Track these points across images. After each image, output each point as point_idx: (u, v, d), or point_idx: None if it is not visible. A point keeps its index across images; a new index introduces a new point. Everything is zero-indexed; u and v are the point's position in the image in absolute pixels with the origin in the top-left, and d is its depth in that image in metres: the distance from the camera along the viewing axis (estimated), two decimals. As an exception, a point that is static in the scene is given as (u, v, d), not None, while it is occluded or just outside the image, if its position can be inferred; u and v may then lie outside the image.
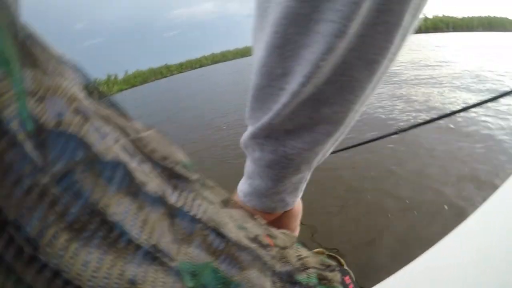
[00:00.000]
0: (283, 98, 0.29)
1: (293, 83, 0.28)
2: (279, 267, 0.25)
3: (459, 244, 0.83)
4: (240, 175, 0.51)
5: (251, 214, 0.29)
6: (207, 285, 0.17)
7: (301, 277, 0.27)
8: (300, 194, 0.40)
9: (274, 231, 0.31)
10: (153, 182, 0.15)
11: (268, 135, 0.32)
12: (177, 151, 0.20)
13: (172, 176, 0.17)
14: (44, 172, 0.11)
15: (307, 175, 0.37)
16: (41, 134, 0.12)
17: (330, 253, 0.39)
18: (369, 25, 0.25)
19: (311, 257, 0.32)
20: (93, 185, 0.13)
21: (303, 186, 0.39)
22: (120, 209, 0.13)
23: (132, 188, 0.14)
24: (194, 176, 0.19)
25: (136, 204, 0.14)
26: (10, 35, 0.12)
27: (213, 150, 5.35)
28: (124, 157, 0.15)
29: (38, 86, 0.13)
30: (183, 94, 17.42)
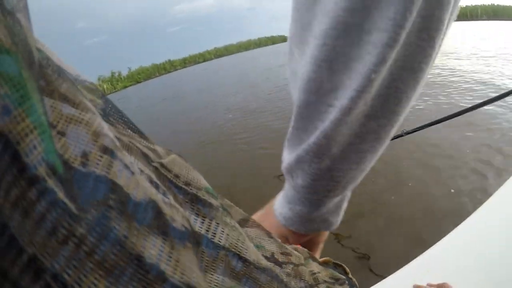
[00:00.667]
0: (332, 115, 0.27)
1: (343, 99, 0.26)
2: (294, 284, 0.25)
3: (457, 245, 0.85)
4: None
5: (268, 232, 0.28)
6: None
7: None
8: (342, 213, 0.38)
9: (289, 247, 0.31)
10: (179, 214, 0.15)
11: (313, 158, 0.30)
12: (199, 176, 0.20)
13: (195, 201, 0.18)
14: (78, 220, 0.11)
15: (350, 192, 0.36)
16: (68, 174, 0.11)
17: (336, 262, 0.40)
18: (413, 33, 0.24)
19: (322, 272, 0.32)
20: (127, 227, 0.12)
21: (345, 204, 0.38)
22: (154, 251, 0.13)
23: (163, 226, 0.14)
24: (216, 202, 0.19)
25: (168, 242, 0.14)
26: (27, 62, 0.11)
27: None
28: (152, 193, 0.14)
29: (58, 117, 0.12)
30: (186, 89, 17.65)
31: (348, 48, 0.24)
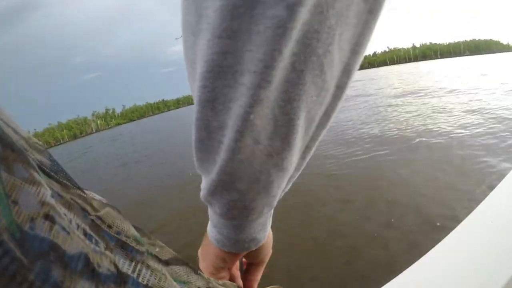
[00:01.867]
0: (223, 154, 0.27)
1: (227, 139, 0.27)
2: None
3: (445, 256, 0.86)
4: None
5: (195, 268, 0.32)
6: None
7: None
8: (269, 227, 0.41)
9: (216, 283, 0.35)
10: (107, 260, 0.19)
11: (222, 190, 0.31)
12: (129, 226, 0.26)
13: (125, 247, 0.22)
14: (30, 270, 0.15)
15: (272, 211, 0.38)
16: (21, 237, 0.15)
17: None
18: (304, 70, 0.24)
19: None
20: (63, 274, 0.16)
21: (270, 220, 0.40)
22: None
23: (91, 272, 0.25)
24: (143, 248, 0.24)
25: (94, 284, 0.17)
26: None
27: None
28: (84, 246, 0.18)
29: (12, 188, 0.15)
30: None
31: (226, 90, 0.24)
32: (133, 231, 0.25)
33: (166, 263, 0.29)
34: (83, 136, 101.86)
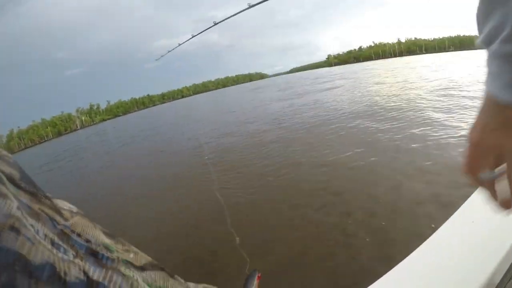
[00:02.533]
0: None
1: None
2: None
3: (425, 260, 0.87)
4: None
5: (172, 274, 0.33)
6: None
7: None
8: None
9: (194, 286, 0.36)
10: (75, 268, 0.20)
11: None
12: (100, 233, 0.27)
13: (95, 255, 0.23)
14: None
15: None
16: None
17: None
18: None
19: None
20: (28, 283, 0.17)
21: None
22: None
23: (57, 281, 0.18)
24: (112, 255, 0.25)
25: None
26: None
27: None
28: (50, 255, 0.19)
29: None
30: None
31: None
32: (103, 239, 0.25)
33: (141, 268, 0.30)
34: (68, 133, 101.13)
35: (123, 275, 0.24)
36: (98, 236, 0.26)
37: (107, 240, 0.26)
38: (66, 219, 0.24)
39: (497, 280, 0.76)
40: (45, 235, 0.20)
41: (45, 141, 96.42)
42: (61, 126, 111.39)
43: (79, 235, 0.24)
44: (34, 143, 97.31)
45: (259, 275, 1.48)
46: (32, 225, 0.20)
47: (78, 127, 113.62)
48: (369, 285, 0.84)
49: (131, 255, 0.31)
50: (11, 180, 0.22)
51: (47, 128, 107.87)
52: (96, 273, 0.22)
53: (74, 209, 0.30)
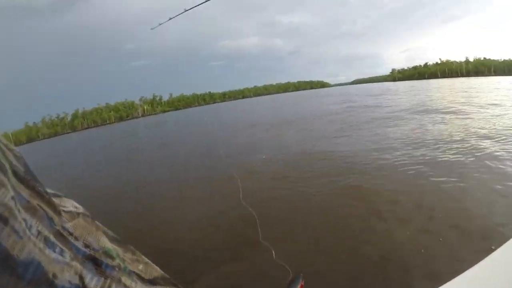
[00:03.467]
0: None
1: None
2: None
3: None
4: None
5: None
6: None
7: None
8: None
9: None
10: (71, 271, 0.17)
11: None
12: (103, 237, 0.23)
13: (93, 260, 0.20)
14: None
15: None
16: None
17: None
18: None
19: None
20: (8, 279, 0.15)
21: None
22: None
23: (44, 282, 0.15)
24: (113, 262, 0.21)
25: None
26: None
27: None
28: (39, 253, 0.17)
29: None
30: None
31: None
32: (106, 244, 0.23)
33: (150, 282, 0.27)
34: (129, 119, 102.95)
35: (125, 286, 0.22)
36: (100, 241, 0.25)
37: (109, 246, 0.25)
38: (66, 220, 0.22)
39: None
40: (39, 232, 0.19)
41: (107, 124, 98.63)
42: (123, 112, 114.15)
43: (76, 238, 0.23)
44: (96, 124, 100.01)
45: (303, 283, 1.29)
46: (24, 219, 0.19)
47: (139, 115, 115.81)
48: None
49: (140, 266, 0.30)
50: (15, 173, 0.22)
51: (110, 112, 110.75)
52: (93, 281, 0.20)
53: (80, 209, 0.29)
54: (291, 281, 1.29)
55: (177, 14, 7.49)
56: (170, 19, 7.36)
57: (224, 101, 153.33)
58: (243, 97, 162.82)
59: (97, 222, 0.31)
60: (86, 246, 0.23)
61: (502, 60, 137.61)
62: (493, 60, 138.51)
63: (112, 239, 0.28)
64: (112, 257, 0.24)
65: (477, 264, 0.87)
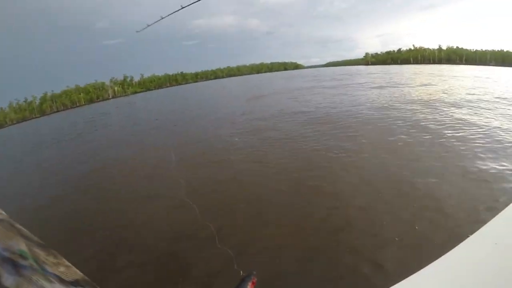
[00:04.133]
0: None
1: None
2: None
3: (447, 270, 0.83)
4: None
5: None
6: None
7: None
8: None
9: None
10: None
11: None
12: (19, 241, 0.29)
13: (9, 263, 0.25)
14: None
15: None
16: None
17: None
18: None
19: None
20: None
21: None
22: None
23: None
24: (28, 262, 0.26)
25: None
26: None
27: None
28: None
29: None
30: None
31: None
32: (19, 247, 0.23)
33: (72, 284, 0.28)
34: (100, 101, 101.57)
35: (37, 285, 0.23)
36: (19, 245, 0.25)
37: (25, 249, 0.25)
38: None
39: None
40: None
41: (77, 106, 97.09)
42: (93, 94, 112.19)
43: None
44: (66, 107, 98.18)
45: (255, 280, 1.32)
46: None
47: (110, 96, 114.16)
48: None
49: (62, 269, 0.30)
50: None
51: (80, 94, 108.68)
52: (9, 280, 0.21)
53: (4, 215, 0.28)
54: (243, 278, 1.35)
55: (171, 12, 7.48)
56: (162, 18, 7.52)
57: (197, 81, 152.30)
58: (215, 78, 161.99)
59: (19, 227, 0.36)
60: (5, 249, 0.26)
61: (474, 50, 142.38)
62: (466, 49, 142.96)
63: (36, 244, 0.32)
64: (25, 258, 0.27)
65: (448, 253, 0.88)
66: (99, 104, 72.83)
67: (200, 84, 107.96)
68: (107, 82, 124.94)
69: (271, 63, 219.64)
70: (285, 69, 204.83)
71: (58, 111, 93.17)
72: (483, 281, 0.76)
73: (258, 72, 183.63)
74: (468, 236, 0.94)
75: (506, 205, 1.12)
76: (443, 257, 0.89)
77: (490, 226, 0.98)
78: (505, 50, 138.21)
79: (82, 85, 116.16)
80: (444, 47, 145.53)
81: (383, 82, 27.05)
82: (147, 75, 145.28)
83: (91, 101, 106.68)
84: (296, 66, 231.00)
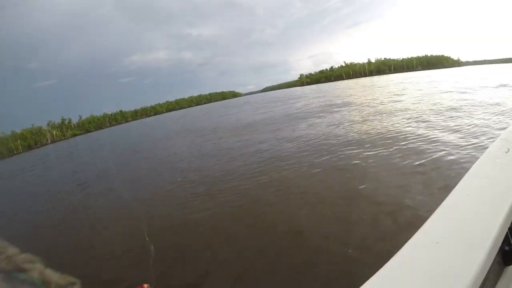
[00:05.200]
0: None
1: None
2: None
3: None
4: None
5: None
6: None
7: None
8: None
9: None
10: None
11: None
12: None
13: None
14: None
15: None
16: None
17: None
18: None
19: None
20: None
21: None
22: None
23: None
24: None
25: None
26: None
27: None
28: None
29: None
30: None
31: None
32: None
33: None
34: (38, 147, 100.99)
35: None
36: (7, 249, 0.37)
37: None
38: None
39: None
40: None
41: (15, 154, 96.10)
42: (31, 140, 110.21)
43: None
44: (3, 156, 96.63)
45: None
46: None
47: (49, 142, 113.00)
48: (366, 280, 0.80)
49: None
50: None
51: (17, 141, 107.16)
52: None
53: None
54: None
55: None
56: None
57: (136, 119, 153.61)
58: (155, 114, 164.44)
59: None
60: None
61: (400, 59, 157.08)
62: (393, 59, 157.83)
63: None
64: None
65: (394, 257, 0.87)
66: (37, 151, 72.65)
67: (138, 122, 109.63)
68: (44, 126, 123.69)
69: (210, 94, 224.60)
70: (224, 98, 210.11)
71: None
72: (428, 282, 0.76)
73: (197, 104, 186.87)
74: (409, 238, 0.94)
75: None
76: (390, 261, 0.86)
77: (429, 226, 0.98)
78: (428, 55, 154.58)
79: (18, 130, 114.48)
80: (373, 60, 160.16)
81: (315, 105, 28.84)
82: (85, 115, 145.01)
83: (29, 147, 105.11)
84: (234, 95, 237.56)
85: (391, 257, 0.87)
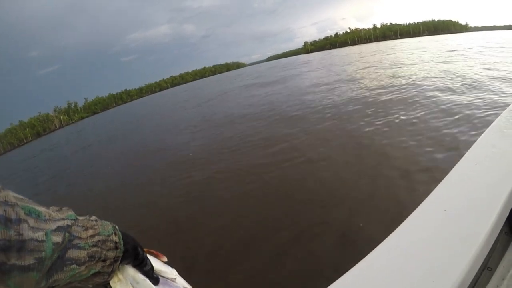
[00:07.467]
0: None
1: None
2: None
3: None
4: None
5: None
6: None
7: None
8: None
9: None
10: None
11: None
12: (15, 196, 0.39)
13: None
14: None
15: None
16: None
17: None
18: None
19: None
20: None
21: None
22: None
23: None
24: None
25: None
26: None
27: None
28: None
29: None
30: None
31: None
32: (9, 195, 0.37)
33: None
34: (47, 134, 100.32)
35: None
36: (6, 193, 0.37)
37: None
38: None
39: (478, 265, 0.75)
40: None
41: (25, 143, 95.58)
42: (39, 127, 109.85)
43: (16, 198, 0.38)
44: (14, 146, 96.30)
45: None
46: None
47: (57, 127, 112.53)
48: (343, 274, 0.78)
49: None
50: None
51: (26, 130, 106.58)
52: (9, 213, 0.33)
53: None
54: None
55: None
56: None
57: (142, 96, 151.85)
58: (160, 90, 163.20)
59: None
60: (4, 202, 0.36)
61: (407, 24, 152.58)
62: (399, 24, 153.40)
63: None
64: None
65: (401, 225, 0.89)
66: (46, 137, 71.73)
67: (146, 99, 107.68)
68: (51, 112, 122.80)
69: (214, 66, 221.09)
70: (228, 69, 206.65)
71: (6, 152, 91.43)
72: (435, 249, 0.77)
73: (202, 77, 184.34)
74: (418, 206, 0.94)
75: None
76: (397, 229, 0.87)
77: (437, 194, 0.99)
78: (436, 20, 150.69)
79: (26, 119, 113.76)
80: (378, 26, 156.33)
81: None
82: (91, 98, 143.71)
83: (38, 135, 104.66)
84: (238, 66, 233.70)
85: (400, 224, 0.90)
